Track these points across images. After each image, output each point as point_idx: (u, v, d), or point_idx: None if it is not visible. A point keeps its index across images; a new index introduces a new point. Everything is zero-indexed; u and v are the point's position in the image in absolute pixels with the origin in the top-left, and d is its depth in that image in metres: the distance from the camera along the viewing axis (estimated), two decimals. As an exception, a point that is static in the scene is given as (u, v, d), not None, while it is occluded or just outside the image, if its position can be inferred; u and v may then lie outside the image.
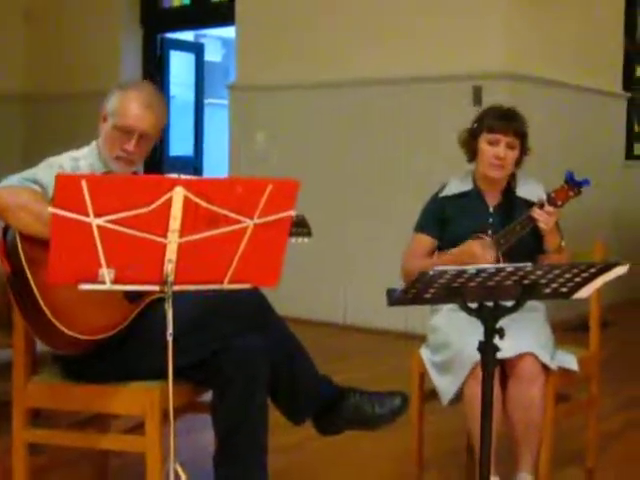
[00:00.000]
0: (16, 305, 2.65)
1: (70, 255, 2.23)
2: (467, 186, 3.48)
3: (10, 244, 2.59)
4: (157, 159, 8.64)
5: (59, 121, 8.94)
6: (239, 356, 2.72)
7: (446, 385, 3.17)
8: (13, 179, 2.67)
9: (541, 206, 3.23)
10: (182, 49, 9.57)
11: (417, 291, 2.20)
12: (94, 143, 2.94)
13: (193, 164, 9.54)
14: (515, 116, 3.40)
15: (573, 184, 3.22)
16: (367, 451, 3.92)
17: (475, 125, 3.43)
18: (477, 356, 2.36)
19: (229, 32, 9.02)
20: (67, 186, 2.16)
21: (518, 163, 3.42)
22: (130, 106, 2.82)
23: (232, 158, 7.64)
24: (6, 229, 2.64)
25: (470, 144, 3.43)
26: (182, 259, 2.27)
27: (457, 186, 3.50)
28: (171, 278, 2.28)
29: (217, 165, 10.76)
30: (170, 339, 2.28)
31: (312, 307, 6.98)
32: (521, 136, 3.38)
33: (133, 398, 2.78)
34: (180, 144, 9.40)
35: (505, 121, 3.36)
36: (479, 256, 3.19)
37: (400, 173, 6.65)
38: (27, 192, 2.63)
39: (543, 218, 3.21)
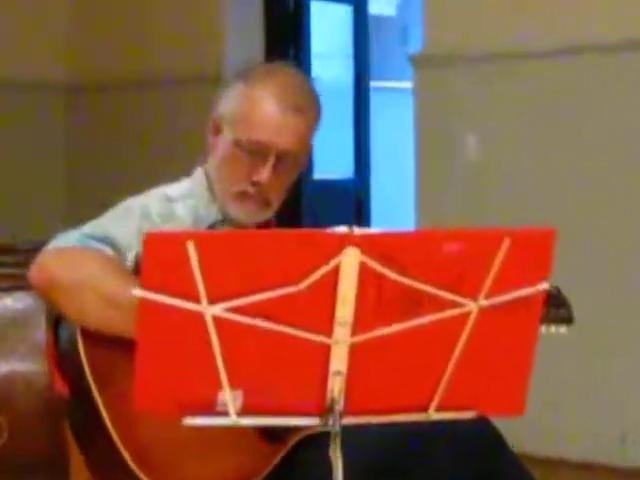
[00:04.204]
0: (76, 443, 1.74)
1: (168, 368, 1.40)
2: None
3: (66, 348, 1.70)
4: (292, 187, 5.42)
5: (117, 117, 5.83)
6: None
7: None
8: (72, 236, 1.77)
9: None
10: (331, -1, 6.19)
11: None
12: (200, 173, 1.99)
13: (354, 193, 6.21)
14: None
15: None
16: None
17: None
18: None
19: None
20: (162, 252, 1.34)
21: None
22: (264, 109, 1.86)
23: (421, 180, 4.62)
24: (58, 322, 1.75)
25: None
26: (357, 371, 1.40)
27: None
28: (340, 404, 1.40)
29: (396, 193, 7.04)
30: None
31: (570, 441, 4.34)
32: None
33: None
34: (331, 158, 6.00)
35: None
36: None
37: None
38: (94, 258, 1.71)
39: None
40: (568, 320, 1.95)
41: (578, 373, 4.19)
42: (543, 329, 1.89)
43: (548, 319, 1.89)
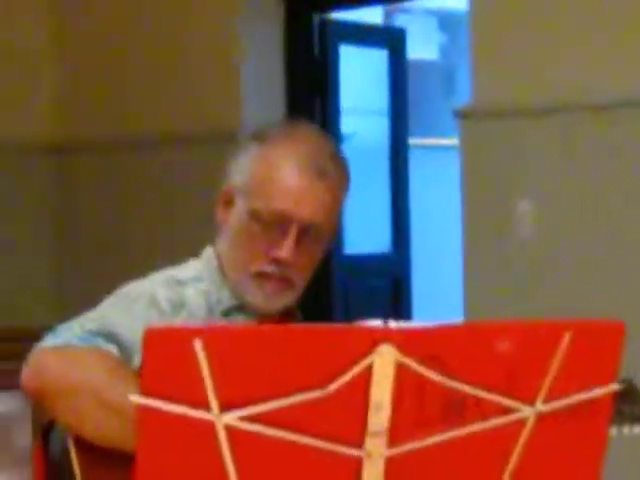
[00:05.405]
0: None
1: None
2: None
3: (58, 460, 1.51)
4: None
5: (113, 183, 5.18)
6: None
7: None
8: (72, 332, 1.54)
9: None
10: (362, 41, 5.30)
11: None
12: (210, 253, 1.75)
13: (392, 270, 5.39)
14: None
15: None
16: None
17: None
18: None
19: (451, 1, 5.48)
20: (165, 351, 1.16)
21: None
22: (283, 174, 1.65)
23: (469, 258, 3.97)
24: (48, 430, 1.55)
25: None
26: (395, 489, 1.20)
27: None
28: (373, 529, 1.20)
29: (440, 269, 6.25)
30: None
31: None
32: None
33: None
34: (364, 230, 5.31)
35: None
36: None
37: None
38: (99, 361, 1.50)
39: None
40: (644, 418, 1.70)
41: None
42: (614, 430, 1.65)
43: (620, 418, 1.64)
